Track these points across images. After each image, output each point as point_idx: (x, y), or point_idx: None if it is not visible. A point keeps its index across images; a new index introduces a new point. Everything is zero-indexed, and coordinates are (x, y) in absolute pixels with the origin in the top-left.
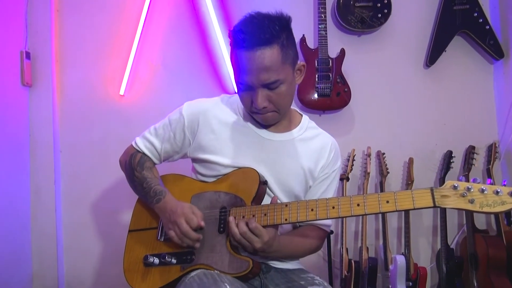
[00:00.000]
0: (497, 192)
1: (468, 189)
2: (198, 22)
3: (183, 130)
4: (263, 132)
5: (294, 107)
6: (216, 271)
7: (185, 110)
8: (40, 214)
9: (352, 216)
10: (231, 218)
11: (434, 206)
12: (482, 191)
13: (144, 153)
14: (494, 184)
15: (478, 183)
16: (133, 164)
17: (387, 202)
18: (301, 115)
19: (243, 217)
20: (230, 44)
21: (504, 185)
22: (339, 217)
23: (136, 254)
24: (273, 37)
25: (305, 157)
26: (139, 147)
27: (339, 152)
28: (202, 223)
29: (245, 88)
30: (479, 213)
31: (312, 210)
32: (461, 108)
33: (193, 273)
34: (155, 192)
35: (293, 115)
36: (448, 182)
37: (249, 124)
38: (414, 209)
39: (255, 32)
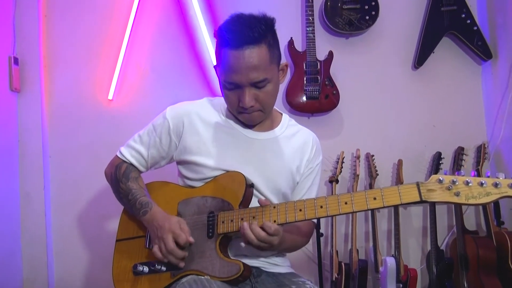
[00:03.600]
0: (482, 184)
1: (453, 182)
2: (186, 26)
3: (168, 134)
4: (248, 132)
5: (280, 108)
6: (206, 277)
7: (168, 114)
8: (30, 219)
9: (340, 214)
10: (245, 225)
11: (421, 201)
12: (467, 183)
13: (130, 163)
14: (479, 177)
15: (463, 176)
16: (118, 176)
17: (374, 198)
18: (281, 114)
19: (231, 221)
20: (217, 44)
21: (488, 176)
22: (328, 216)
23: (125, 264)
24: (261, 36)
25: (290, 154)
26: (124, 157)
27: (320, 146)
28: (191, 239)
29: (232, 87)
30: (465, 205)
31: (300, 210)
32: (450, 109)
33: (183, 280)
34: (141, 204)
35: (274, 114)
36: (433, 176)
37: (234, 125)
38: (401, 204)
39: (243, 31)
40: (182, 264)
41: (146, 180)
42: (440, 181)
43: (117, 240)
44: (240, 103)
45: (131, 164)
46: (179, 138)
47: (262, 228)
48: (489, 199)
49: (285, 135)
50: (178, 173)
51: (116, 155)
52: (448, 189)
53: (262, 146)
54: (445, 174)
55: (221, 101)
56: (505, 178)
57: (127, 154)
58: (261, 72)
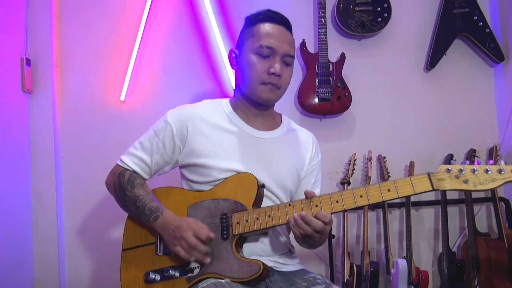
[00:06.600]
0: (487, 171)
1: (461, 170)
2: (198, 27)
3: (172, 139)
4: (253, 131)
5: (292, 109)
6: (226, 279)
7: (170, 118)
8: (41, 219)
9: (356, 208)
10: (295, 215)
11: (433, 189)
12: (474, 171)
13: (133, 171)
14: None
15: (469, 164)
16: (123, 184)
17: (389, 190)
18: (280, 114)
19: (247, 221)
20: (250, 22)
21: (491, 164)
22: (344, 210)
23: (135, 273)
24: (291, 28)
25: (294, 152)
26: (127, 165)
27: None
28: (212, 234)
29: (268, 54)
30: (474, 191)
31: (316, 206)
32: (462, 112)
33: (203, 284)
34: (151, 209)
35: (275, 114)
36: (442, 167)
37: (238, 125)
38: (415, 194)
39: (280, 15)
40: (207, 260)
41: (149, 186)
42: (448, 171)
43: (123, 250)
44: (271, 69)
45: (134, 172)
46: (183, 142)
47: (317, 217)
48: (495, 184)
49: (287, 133)
50: (182, 177)
51: (117, 164)
52: (457, 177)
53: (268, 145)
54: (452, 163)
55: (221, 102)
56: (506, 164)
57: (129, 162)
58: (292, 49)
